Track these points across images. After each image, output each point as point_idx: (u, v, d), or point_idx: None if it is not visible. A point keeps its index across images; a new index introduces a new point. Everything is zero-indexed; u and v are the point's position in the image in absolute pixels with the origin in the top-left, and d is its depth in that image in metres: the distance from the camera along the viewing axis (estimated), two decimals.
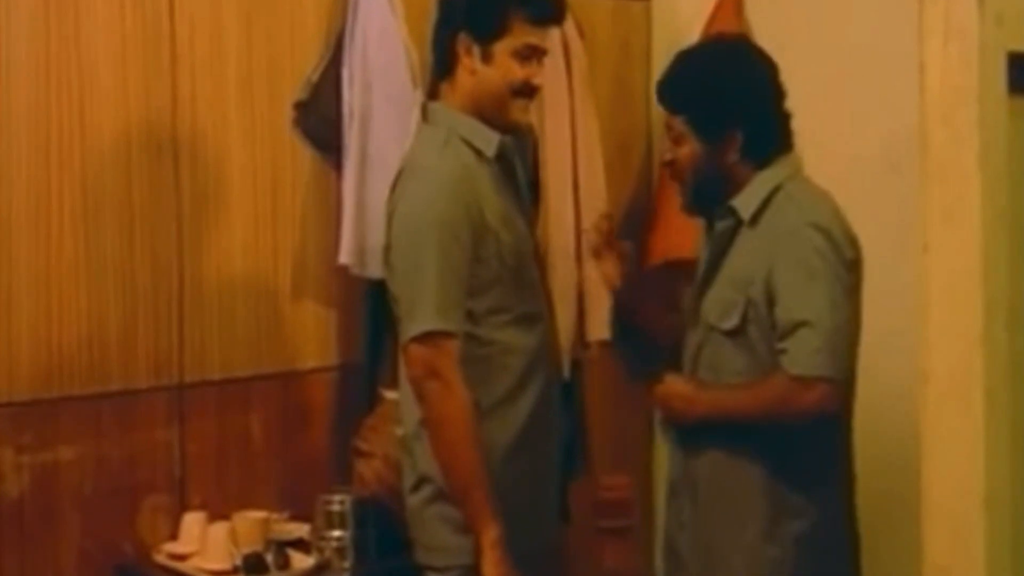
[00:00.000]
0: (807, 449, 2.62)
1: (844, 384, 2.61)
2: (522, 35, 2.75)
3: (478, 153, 2.77)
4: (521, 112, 2.82)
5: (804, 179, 2.71)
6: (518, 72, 2.75)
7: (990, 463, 3.39)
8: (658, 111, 3.27)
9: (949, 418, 3.41)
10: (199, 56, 3.27)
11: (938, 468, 3.44)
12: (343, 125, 3.39)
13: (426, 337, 2.65)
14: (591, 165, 3.83)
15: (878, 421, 3.17)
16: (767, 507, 2.63)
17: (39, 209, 3.04)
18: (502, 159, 2.82)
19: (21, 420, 3.01)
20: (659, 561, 2.95)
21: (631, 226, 3.92)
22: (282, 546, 3.10)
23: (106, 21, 3.13)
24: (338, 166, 3.43)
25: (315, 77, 3.43)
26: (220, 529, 3.10)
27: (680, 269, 3.06)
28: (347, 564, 3.07)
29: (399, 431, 2.87)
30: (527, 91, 2.79)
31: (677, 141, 2.70)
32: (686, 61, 2.76)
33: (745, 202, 2.65)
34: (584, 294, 3.73)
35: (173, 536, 3.18)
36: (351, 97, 3.38)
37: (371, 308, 3.42)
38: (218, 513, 3.16)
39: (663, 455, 3.26)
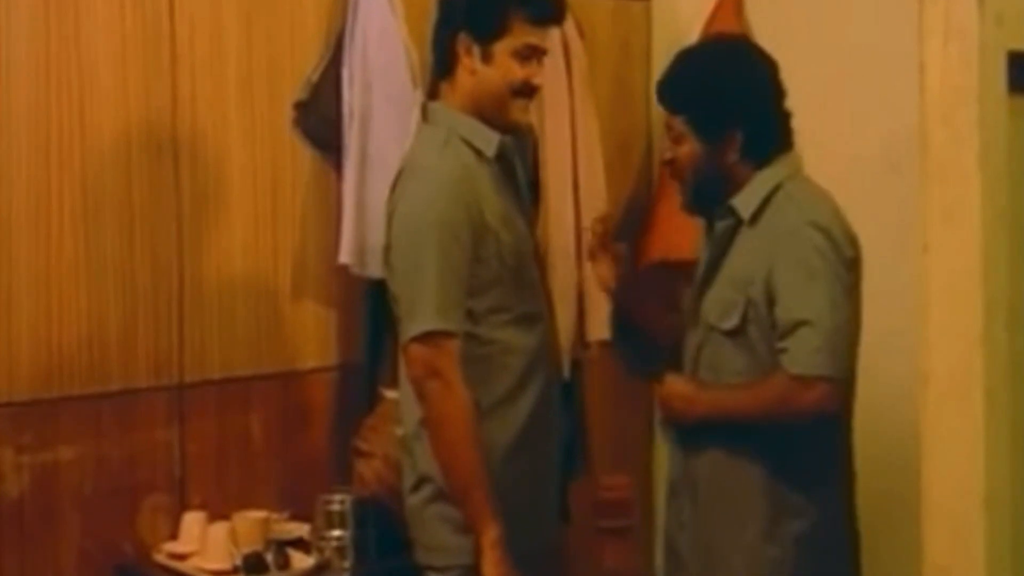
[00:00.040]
0: (807, 449, 2.62)
1: (844, 384, 2.61)
2: (522, 35, 2.75)
3: (478, 153, 2.77)
4: (521, 112, 2.82)
5: (804, 178, 2.71)
6: (518, 72, 2.75)
7: (990, 463, 3.39)
8: (658, 111, 3.27)
9: (949, 418, 3.41)
10: (199, 56, 3.28)
11: (938, 468, 3.43)
12: (343, 125, 3.39)
13: (426, 337, 2.65)
14: (591, 165, 3.83)
15: (878, 421, 3.17)
16: (767, 507, 2.63)
17: (39, 209, 3.04)
18: (502, 159, 2.81)
19: (21, 420, 3.02)
20: (659, 561, 2.95)
21: (631, 226, 3.92)
22: (282, 546, 3.10)
23: (106, 21, 3.13)
24: (338, 166, 3.43)
25: (315, 77, 3.43)
26: (220, 529, 3.10)
27: (679, 269, 3.05)
28: (347, 564, 3.07)
29: (399, 431, 2.86)
30: (527, 91, 2.79)
31: (677, 141, 2.70)
32: (686, 61, 2.76)
33: (745, 201, 2.65)
34: (584, 294, 3.73)
35: (173, 536, 3.18)
36: (351, 97, 3.38)
37: (371, 308, 3.42)
38: (218, 513, 3.16)
39: (663, 455, 3.26)
